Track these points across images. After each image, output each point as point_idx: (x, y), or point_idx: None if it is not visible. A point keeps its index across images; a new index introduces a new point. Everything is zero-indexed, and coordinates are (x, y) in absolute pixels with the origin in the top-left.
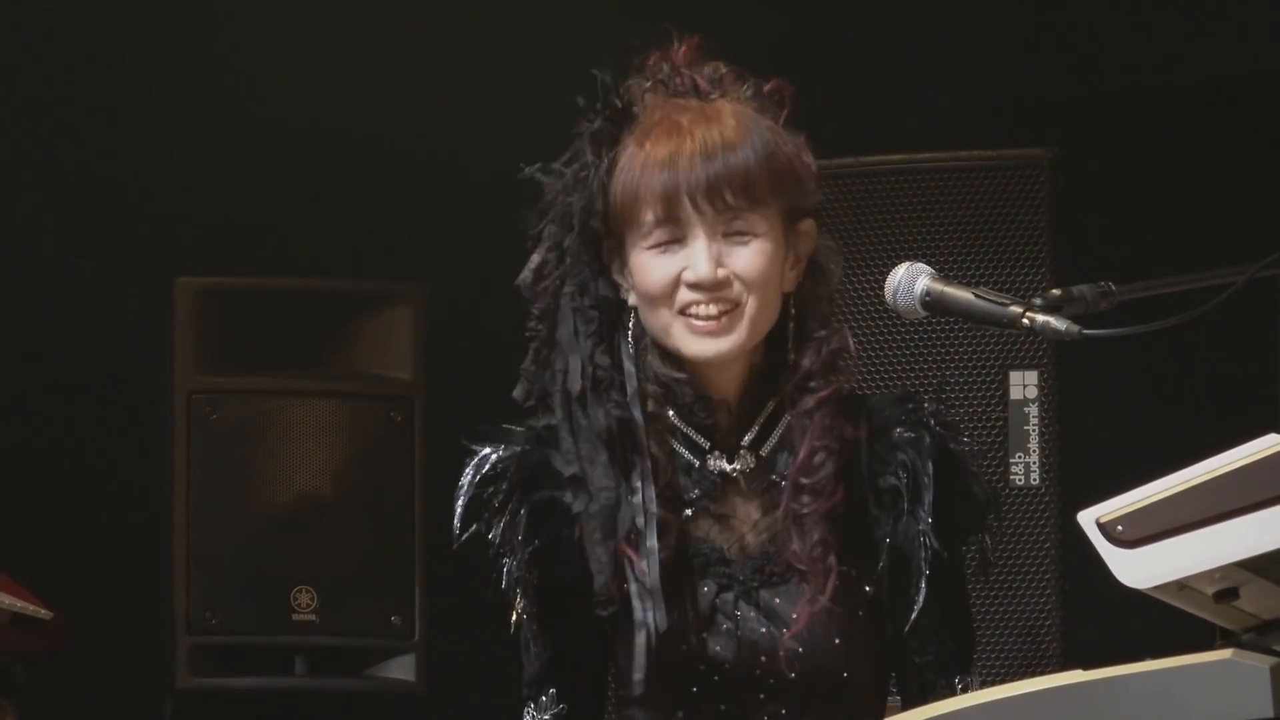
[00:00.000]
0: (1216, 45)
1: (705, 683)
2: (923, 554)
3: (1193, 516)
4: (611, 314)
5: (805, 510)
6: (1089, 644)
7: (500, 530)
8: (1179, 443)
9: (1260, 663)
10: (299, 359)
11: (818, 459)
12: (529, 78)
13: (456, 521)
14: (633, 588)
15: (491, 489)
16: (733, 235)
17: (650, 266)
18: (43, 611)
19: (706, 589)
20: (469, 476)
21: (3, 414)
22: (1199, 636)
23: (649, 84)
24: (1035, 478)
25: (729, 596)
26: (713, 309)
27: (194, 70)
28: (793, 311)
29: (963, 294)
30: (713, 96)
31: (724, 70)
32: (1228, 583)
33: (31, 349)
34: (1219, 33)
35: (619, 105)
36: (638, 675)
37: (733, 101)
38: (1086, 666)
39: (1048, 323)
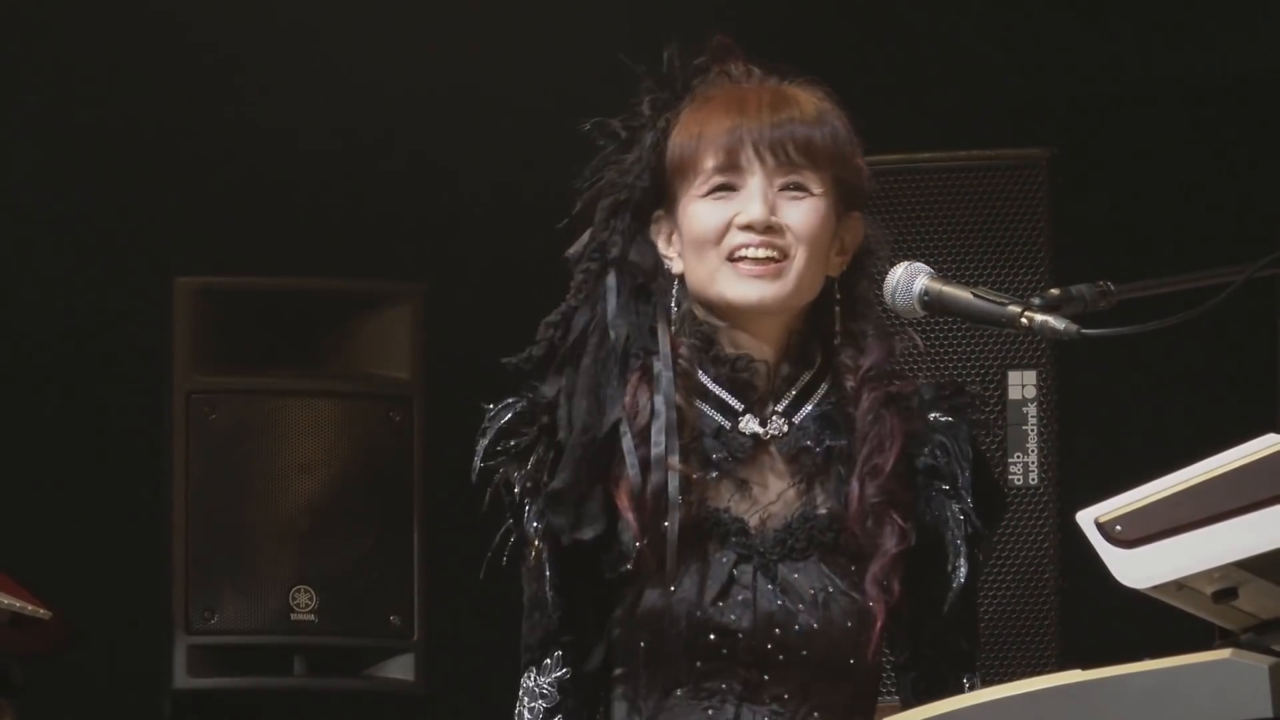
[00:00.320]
0: (1216, 45)
1: (713, 655)
2: (964, 530)
3: (1191, 516)
4: (651, 280)
5: (874, 499)
6: (1088, 644)
7: (526, 472)
8: (1178, 443)
9: (1259, 662)
10: (298, 359)
11: (882, 459)
12: (528, 78)
13: (477, 461)
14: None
15: (516, 437)
16: (789, 189)
17: (704, 212)
18: (42, 611)
19: (725, 558)
20: (491, 422)
21: (2, 413)
22: (1198, 636)
23: (714, 73)
24: (1034, 478)
25: (747, 568)
26: (761, 253)
27: (193, 70)
28: (838, 296)
29: (961, 293)
30: (786, 85)
31: (791, 81)
32: (1226, 582)
33: (31, 348)
34: (1218, 33)
35: (683, 80)
36: (648, 630)
37: (805, 89)
38: (1085, 666)
39: (1046, 322)
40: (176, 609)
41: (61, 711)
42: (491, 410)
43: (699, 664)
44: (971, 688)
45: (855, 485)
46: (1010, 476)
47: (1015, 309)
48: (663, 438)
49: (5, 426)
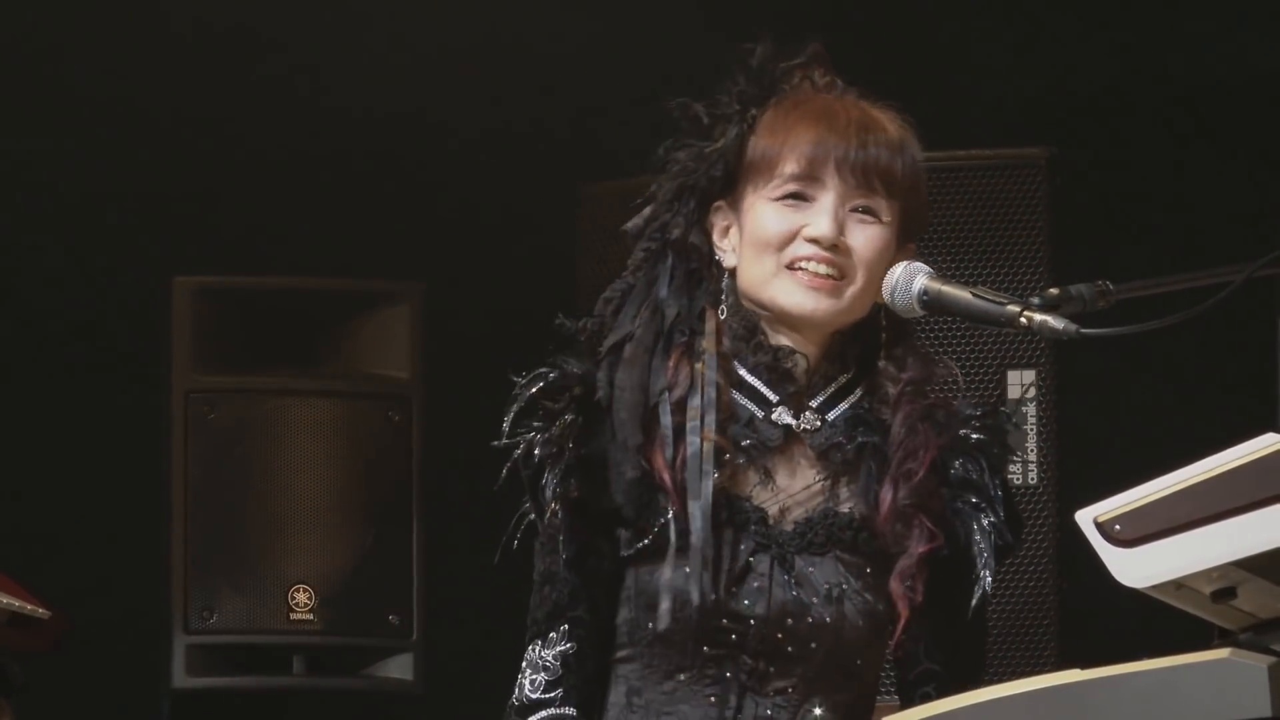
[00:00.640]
0: (1214, 45)
1: (722, 642)
2: (992, 542)
3: (1190, 516)
4: (701, 267)
5: (905, 502)
6: (1087, 643)
7: (551, 437)
8: (1177, 442)
9: (1258, 662)
10: (297, 358)
11: (915, 464)
12: (526, 79)
13: (506, 427)
14: (693, 510)
15: (548, 402)
16: (860, 211)
17: (772, 216)
18: (40, 611)
19: (743, 545)
20: (523, 389)
21: (1, 412)
22: (1196, 636)
23: (798, 78)
24: (1033, 477)
25: (765, 557)
26: (822, 269)
27: (191, 69)
28: (884, 323)
29: (960, 293)
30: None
31: (870, 100)
32: (1225, 582)
33: (29, 348)
34: (1216, 33)
35: (771, 77)
36: (664, 605)
37: (885, 111)
38: (1084, 666)
39: (1045, 322)
40: (175, 608)
41: (60, 711)
42: (522, 379)
43: (706, 649)
44: None
45: (888, 488)
46: (1009, 476)
47: (1014, 309)
48: (698, 407)
49: (4, 425)
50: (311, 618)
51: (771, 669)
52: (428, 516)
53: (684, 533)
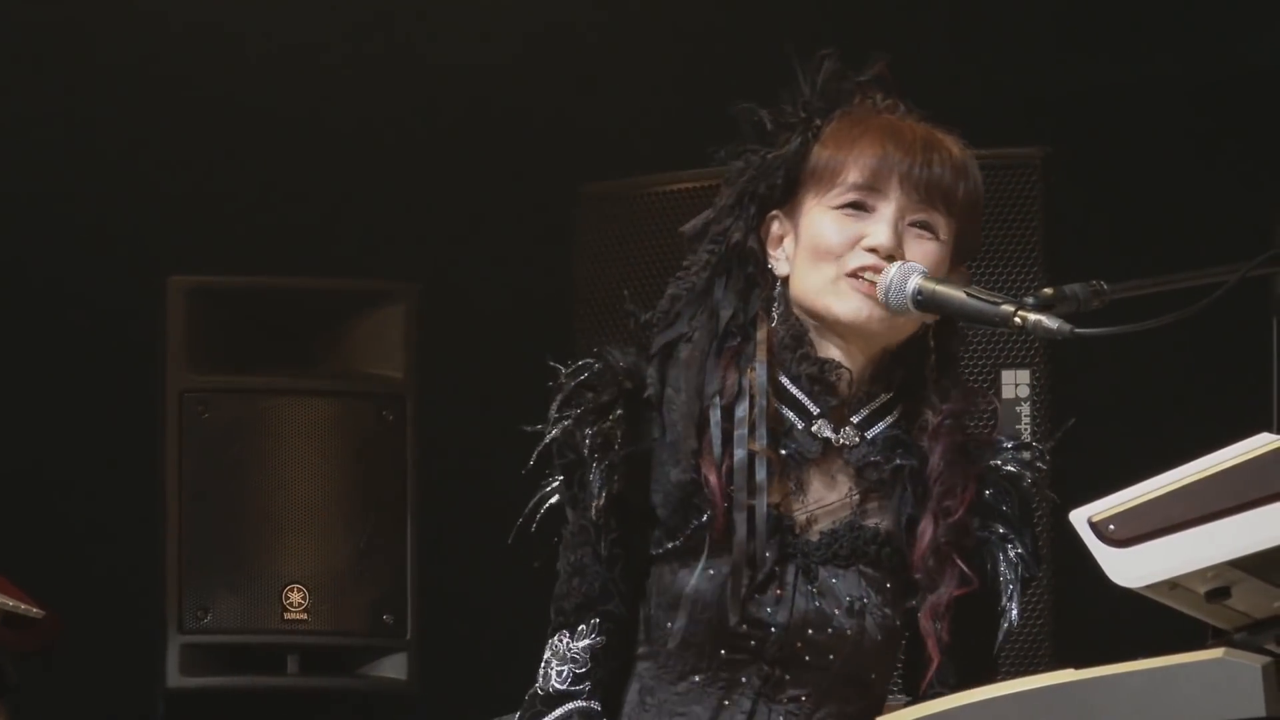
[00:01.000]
0: (1210, 44)
1: (741, 648)
2: (1018, 574)
3: (1185, 516)
4: (756, 273)
5: (943, 539)
6: (1081, 643)
7: (601, 429)
8: (1171, 442)
9: (1252, 662)
10: (291, 358)
11: (954, 501)
12: (524, 78)
13: (552, 410)
14: (738, 516)
15: (593, 393)
16: (918, 227)
17: (832, 223)
18: (35, 610)
19: (769, 553)
20: (568, 378)
21: None
22: (1191, 636)
23: (863, 97)
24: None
25: (790, 566)
26: (876, 276)
27: (188, 69)
28: (932, 344)
29: (955, 293)
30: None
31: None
32: (1220, 582)
33: (24, 347)
34: (1212, 32)
35: (836, 90)
36: (683, 609)
37: (951, 136)
38: (1078, 666)
39: (1039, 322)
40: (169, 608)
41: (55, 710)
42: (567, 368)
43: (724, 652)
44: None
45: (927, 523)
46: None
47: (1009, 308)
48: (744, 415)
49: None
50: (306, 617)
51: (787, 677)
52: (422, 516)
53: (720, 537)
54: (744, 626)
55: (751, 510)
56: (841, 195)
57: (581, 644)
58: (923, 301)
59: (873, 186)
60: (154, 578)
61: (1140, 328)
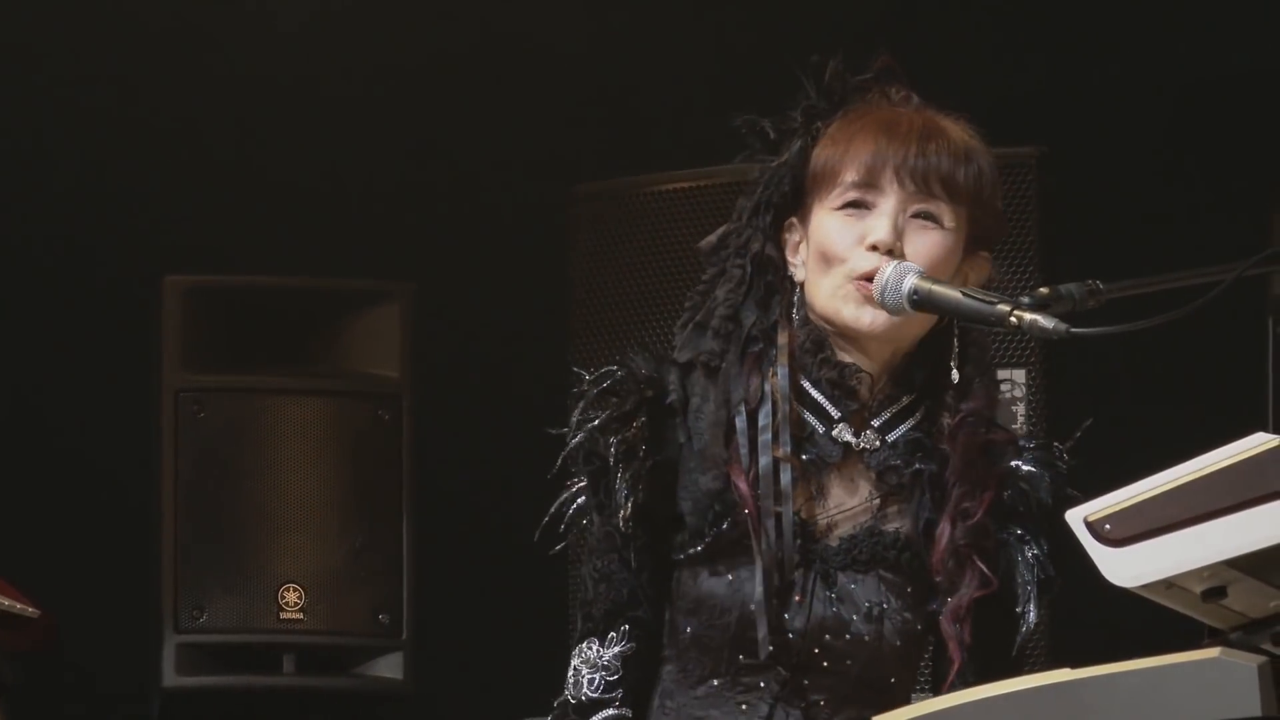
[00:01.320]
0: (1206, 44)
1: (758, 652)
2: (1035, 575)
3: (1180, 515)
4: (776, 281)
5: (962, 541)
6: (1077, 643)
7: (626, 438)
8: (1167, 441)
9: (1248, 661)
10: (287, 357)
11: (974, 504)
12: (522, 78)
13: (574, 418)
14: (767, 525)
15: (616, 400)
16: (920, 217)
17: (834, 226)
18: (30, 610)
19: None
20: (591, 385)
21: None
22: (1187, 635)
23: (873, 92)
24: None
25: (810, 573)
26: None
27: (185, 69)
28: (956, 334)
29: (950, 292)
30: (939, 115)
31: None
32: (1216, 581)
33: (20, 347)
34: (1207, 31)
35: (841, 91)
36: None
37: (958, 123)
38: (1074, 665)
39: (1035, 321)
40: (165, 607)
41: (50, 710)
42: (589, 375)
43: (742, 657)
44: None
45: (945, 524)
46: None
47: (1004, 308)
48: (768, 421)
49: None
50: (301, 617)
51: (805, 682)
52: (417, 516)
53: (744, 543)
54: (757, 630)
55: (778, 517)
56: (841, 196)
57: (612, 651)
58: (919, 301)
59: (869, 183)
60: (150, 577)
61: (1136, 327)
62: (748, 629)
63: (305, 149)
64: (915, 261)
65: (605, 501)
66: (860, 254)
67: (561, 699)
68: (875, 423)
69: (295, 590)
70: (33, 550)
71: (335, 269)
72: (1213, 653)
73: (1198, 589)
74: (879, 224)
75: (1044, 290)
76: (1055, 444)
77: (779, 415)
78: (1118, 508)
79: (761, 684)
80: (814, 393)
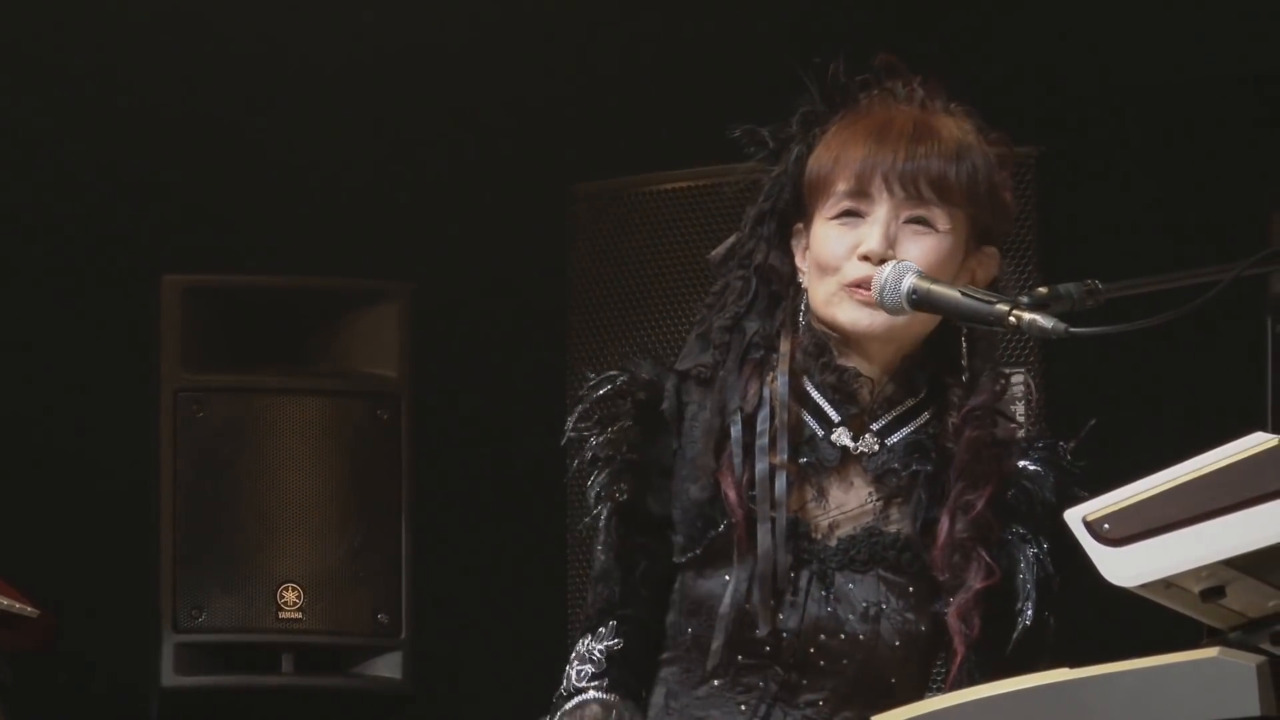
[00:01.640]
0: (1204, 43)
1: (756, 652)
2: (1035, 574)
3: (1179, 515)
4: (781, 289)
5: (963, 534)
6: (1076, 642)
7: (605, 440)
8: (1166, 441)
9: (1246, 661)
10: (286, 357)
11: (974, 496)
12: (517, 78)
13: (570, 423)
14: (761, 527)
15: (608, 402)
16: (914, 223)
17: (829, 236)
18: (29, 609)
19: (784, 560)
20: (590, 390)
21: None
22: (1185, 635)
23: (874, 90)
24: None
25: (804, 572)
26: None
27: (182, 68)
28: (964, 331)
29: (949, 292)
30: (935, 113)
31: (954, 105)
32: (1214, 581)
33: (18, 346)
34: (1205, 31)
35: (842, 94)
36: (694, 620)
37: (955, 119)
38: (1073, 665)
39: (1034, 321)
40: (164, 607)
41: (49, 709)
42: (591, 380)
43: (740, 658)
44: None
45: (945, 519)
46: None
47: (1003, 307)
48: (765, 427)
49: None
50: (300, 616)
51: (804, 681)
52: (416, 515)
53: (740, 547)
54: (758, 633)
55: (773, 523)
56: (835, 205)
57: (600, 645)
58: (918, 301)
59: (861, 191)
60: (148, 576)
61: (1135, 327)
62: (745, 629)
63: (305, 148)
64: None
65: (591, 501)
66: (853, 263)
67: (557, 692)
68: (875, 426)
69: (294, 590)
70: (32, 550)
71: (335, 269)
72: (1211, 652)
73: (1196, 588)
74: (870, 234)
75: (1043, 290)
76: (1061, 444)
77: (776, 420)
78: (1116, 507)
79: (760, 684)
80: (816, 395)
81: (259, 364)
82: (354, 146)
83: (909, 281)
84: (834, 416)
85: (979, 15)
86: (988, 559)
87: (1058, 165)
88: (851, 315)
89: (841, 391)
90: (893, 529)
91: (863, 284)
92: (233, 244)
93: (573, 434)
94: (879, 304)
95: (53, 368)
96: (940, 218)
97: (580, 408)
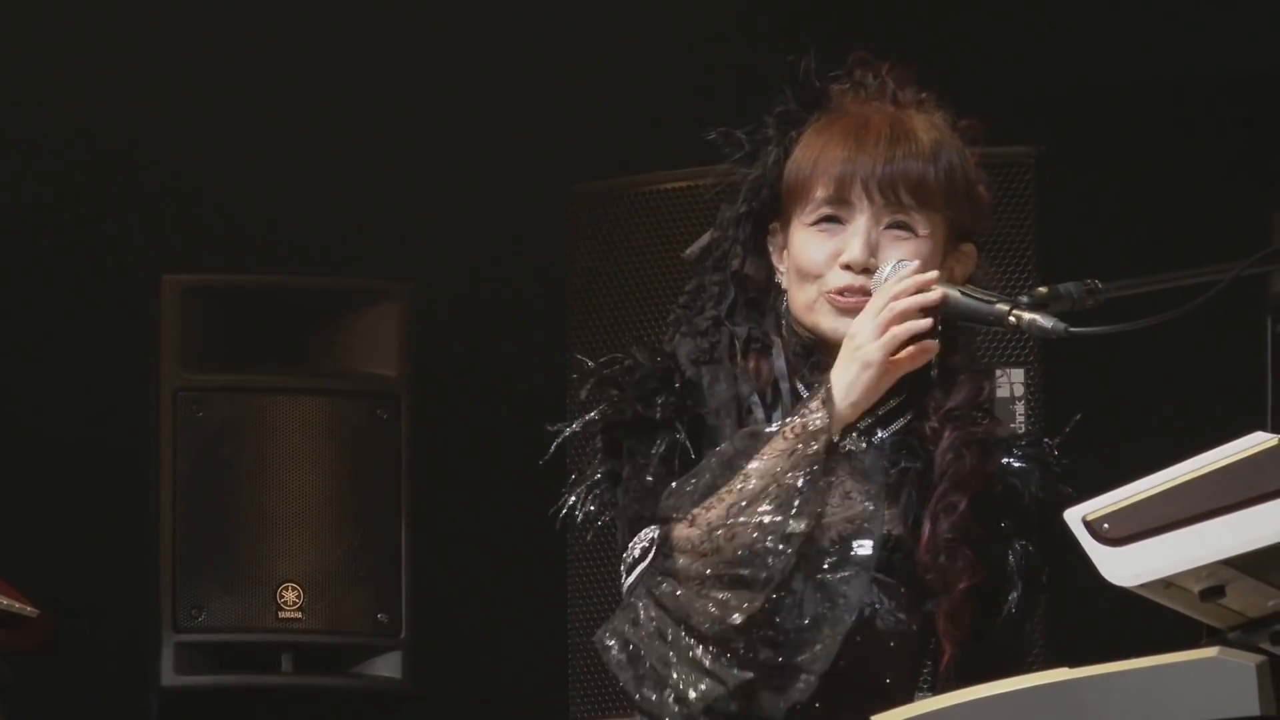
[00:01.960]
0: (1202, 43)
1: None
2: (1021, 566)
3: (1179, 514)
4: (760, 293)
5: (947, 535)
6: (1075, 642)
7: (666, 402)
8: (1166, 440)
9: (1246, 661)
10: (285, 356)
11: (957, 496)
12: (519, 78)
13: (584, 393)
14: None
15: (639, 373)
16: (895, 228)
17: (809, 243)
18: (29, 609)
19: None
20: (597, 369)
21: None
22: (1185, 634)
23: (847, 85)
24: None
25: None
26: (856, 298)
27: (181, 67)
28: (938, 324)
29: (951, 291)
30: (908, 109)
31: (924, 95)
32: (1214, 580)
33: (17, 346)
34: (1204, 31)
35: (812, 93)
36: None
37: (927, 115)
38: (1072, 664)
39: (1034, 320)
40: (164, 607)
41: (49, 709)
42: (591, 363)
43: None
44: None
45: (928, 521)
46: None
47: (1003, 307)
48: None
49: None
50: (300, 616)
51: None
52: (416, 514)
53: None
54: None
55: None
56: (814, 212)
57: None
58: None
59: (840, 198)
60: (148, 576)
61: (1134, 326)
62: None
63: (305, 148)
64: None
65: (642, 462)
66: (835, 272)
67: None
68: (861, 424)
69: (294, 589)
70: (31, 549)
71: (334, 268)
72: (1211, 652)
73: (1196, 588)
74: (852, 243)
75: (1042, 290)
76: (1046, 440)
77: (781, 406)
78: (1116, 507)
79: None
80: (805, 394)
81: (259, 364)
82: (354, 146)
83: None
84: None
85: (979, 14)
86: (972, 558)
87: (1057, 164)
88: (832, 323)
89: None
90: (884, 529)
91: (845, 291)
92: (233, 244)
93: (591, 405)
94: None
95: (53, 367)
96: (920, 222)
97: (591, 382)
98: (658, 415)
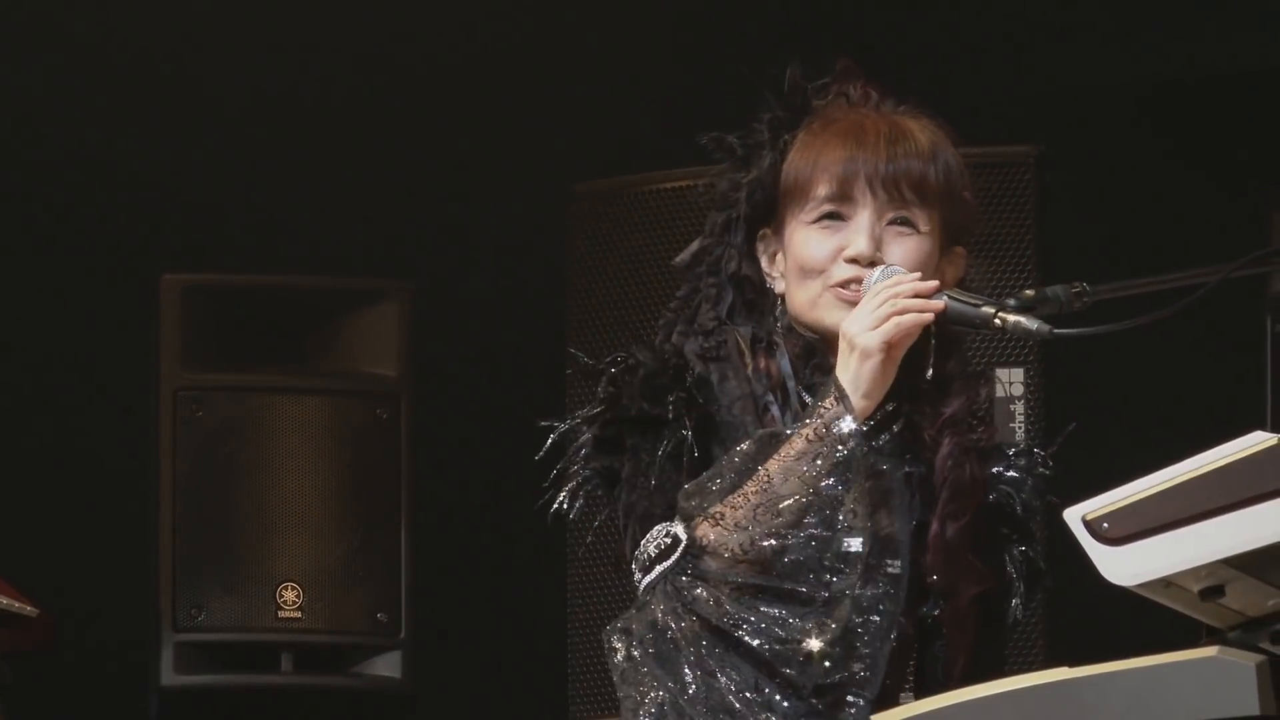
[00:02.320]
0: (1201, 43)
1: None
2: (1022, 571)
3: (1178, 514)
4: (758, 294)
5: (952, 537)
6: (1074, 641)
7: (677, 399)
8: (1165, 440)
9: (1246, 660)
10: (285, 356)
11: (962, 503)
12: (519, 78)
13: (601, 390)
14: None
15: (650, 369)
16: (897, 224)
17: (811, 239)
18: (28, 608)
19: None
20: (605, 366)
21: None
22: (1185, 634)
23: (832, 94)
24: None
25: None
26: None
27: (180, 67)
28: (933, 330)
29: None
30: (898, 113)
31: (903, 106)
32: (1214, 580)
33: (17, 345)
34: (1203, 31)
35: (802, 99)
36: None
37: (918, 119)
38: (1072, 664)
39: (1019, 323)
40: (164, 606)
41: (49, 709)
42: (592, 362)
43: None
44: None
45: (935, 525)
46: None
47: (989, 310)
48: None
49: None
50: (300, 615)
51: None
52: (416, 514)
53: None
54: None
55: None
56: (816, 209)
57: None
58: None
59: (843, 195)
60: (148, 576)
61: (1119, 328)
62: None
63: (304, 147)
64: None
65: (646, 459)
66: (839, 265)
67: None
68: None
69: (293, 589)
70: (31, 549)
71: (334, 268)
72: (1210, 651)
73: (1196, 588)
74: (857, 238)
75: (1029, 292)
76: (1036, 450)
77: (789, 407)
78: (1116, 506)
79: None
80: (806, 398)
81: (259, 364)
82: (354, 146)
83: None
84: None
85: (979, 14)
86: (979, 565)
87: (1056, 164)
88: (837, 317)
89: (822, 396)
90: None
91: (850, 284)
92: (233, 244)
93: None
94: None
95: (52, 367)
96: (921, 219)
97: (605, 378)
98: (669, 412)
